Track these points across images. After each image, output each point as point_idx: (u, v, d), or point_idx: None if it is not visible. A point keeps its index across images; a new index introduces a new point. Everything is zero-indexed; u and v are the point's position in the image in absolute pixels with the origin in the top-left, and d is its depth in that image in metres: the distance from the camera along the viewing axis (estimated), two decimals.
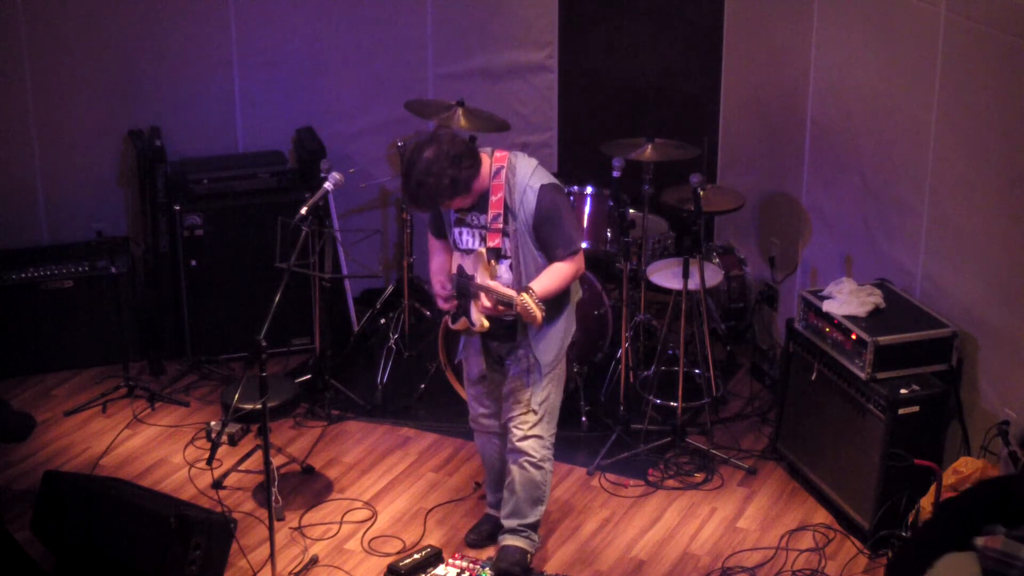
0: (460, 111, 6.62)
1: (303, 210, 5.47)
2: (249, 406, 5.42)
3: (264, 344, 4.99)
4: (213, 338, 7.02)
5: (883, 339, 5.54)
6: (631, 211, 6.59)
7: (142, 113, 7.12)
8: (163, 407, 6.69)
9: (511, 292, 4.99)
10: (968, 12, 5.47)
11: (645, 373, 6.69)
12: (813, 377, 5.89)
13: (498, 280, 5.12)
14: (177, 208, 6.86)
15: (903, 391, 5.48)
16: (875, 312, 5.74)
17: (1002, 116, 5.34)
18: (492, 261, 5.11)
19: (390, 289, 7.35)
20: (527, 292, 4.93)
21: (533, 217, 5.06)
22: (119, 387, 6.74)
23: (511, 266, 5.13)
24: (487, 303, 5.07)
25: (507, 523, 5.45)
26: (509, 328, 5.20)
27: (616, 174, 6.49)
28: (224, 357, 7.01)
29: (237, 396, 5.37)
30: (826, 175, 6.63)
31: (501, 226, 5.09)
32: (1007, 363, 5.43)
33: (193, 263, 6.92)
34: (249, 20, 7.21)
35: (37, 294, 6.87)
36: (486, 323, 5.15)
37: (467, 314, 5.22)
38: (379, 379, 6.78)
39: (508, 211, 5.09)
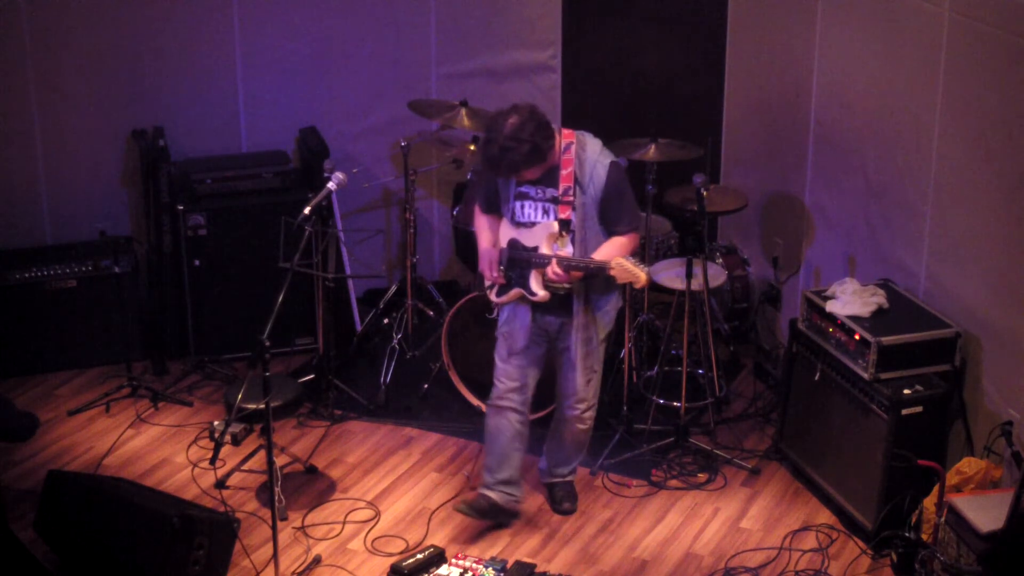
0: (463, 111, 6.63)
1: (306, 210, 5.47)
2: (252, 406, 5.43)
3: (267, 344, 4.99)
4: (216, 338, 7.02)
5: (886, 339, 5.53)
6: None
7: (146, 113, 7.13)
8: (166, 407, 6.69)
9: (602, 260, 5.21)
10: (972, 12, 5.46)
11: (648, 373, 6.68)
12: (816, 377, 5.89)
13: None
14: (180, 208, 6.86)
15: (906, 391, 5.47)
16: (878, 312, 5.73)
17: (1006, 116, 5.33)
18: (564, 233, 5.29)
19: (393, 289, 7.34)
20: (618, 259, 5.15)
21: (603, 191, 5.29)
22: (122, 387, 6.75)
23: (572, 240, 5.31)
24: (559, 270, 5.24)
25: (559, 471, 5.91)
26: (564, 300, 5.39)
27: None
28: (227, 357, 7.02)
29: (240, 396, 5.36)
30: (829, 175, 6.62)
31: (572, 199, 5.27)
32: (1010, 363, 5.42)
33: (196, 263, 6.92)
34: (253, 20, 7.21)
35: (40, 294, 6.87)
36: (548, 293, 5.35)
37: (522, 285, 5.40)
38: (382, 379, 6.78)
39: (577, 184, 5.28)
